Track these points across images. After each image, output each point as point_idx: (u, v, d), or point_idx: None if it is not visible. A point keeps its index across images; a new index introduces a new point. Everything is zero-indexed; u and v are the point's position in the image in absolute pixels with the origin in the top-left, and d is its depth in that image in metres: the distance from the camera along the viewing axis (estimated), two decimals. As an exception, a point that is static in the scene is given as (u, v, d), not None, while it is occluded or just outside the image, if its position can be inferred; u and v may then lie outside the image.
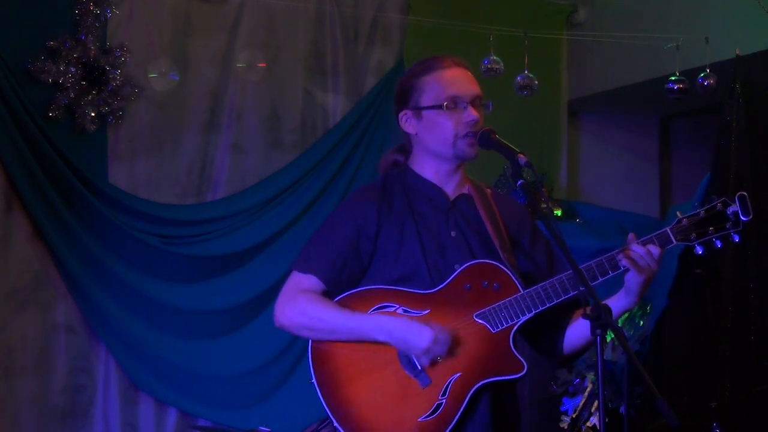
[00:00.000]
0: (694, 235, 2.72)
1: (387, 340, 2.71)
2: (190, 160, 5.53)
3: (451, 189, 2.88)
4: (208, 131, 5.57)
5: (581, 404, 5.00)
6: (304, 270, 2.83)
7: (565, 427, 5.00)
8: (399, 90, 2.90)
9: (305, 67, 5.79)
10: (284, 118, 5.75)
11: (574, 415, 5.00)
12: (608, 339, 4.70)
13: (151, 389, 5.35)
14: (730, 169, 5.18)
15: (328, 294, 2.80)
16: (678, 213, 2.74)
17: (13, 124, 4.94)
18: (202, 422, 5.43)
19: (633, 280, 2.71)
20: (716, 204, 2.73)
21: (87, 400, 5.26)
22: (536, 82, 5.52)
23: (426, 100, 2.82)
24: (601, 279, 2.71)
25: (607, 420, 3.28)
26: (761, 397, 4.79)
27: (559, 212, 6.07)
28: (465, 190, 2.90)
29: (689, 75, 5.33)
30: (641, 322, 5.36)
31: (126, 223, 5.23)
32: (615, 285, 2.80)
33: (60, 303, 5.18)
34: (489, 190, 2.94)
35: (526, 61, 5.54)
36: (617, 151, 7.00)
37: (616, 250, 2.71)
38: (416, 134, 2.86)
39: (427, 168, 2.88)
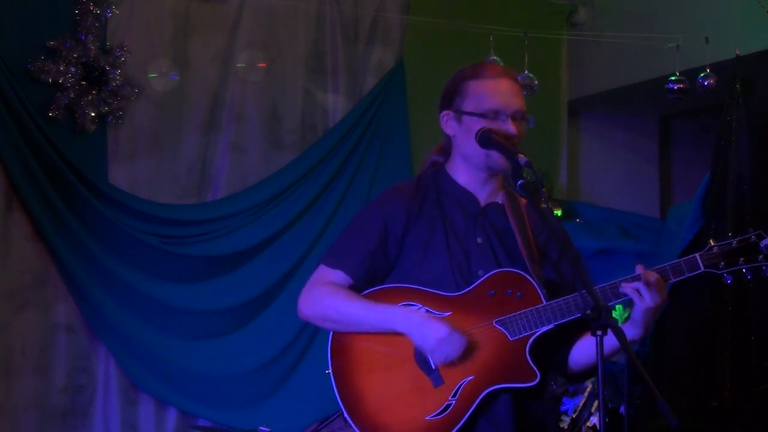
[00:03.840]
0: (722, 263, 2.71)
1: (405, 330, 2.72)
2: (190, 160, 5.53)
3: (483, 196, 2.89)
4: (208, 131, 5.57)
5: (581, 404, 4.99)
6: (332, 265, 2.85)
7: (565, 427, 5.00)
8: (445, 90, 2.92)
9: (305, 67, 5.79)
10: (284, 118, 5.74)
11: (574, 415, 5.00)
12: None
13: (151, 389, 5.35)
14: (730, 169, 5.18)
15: (354, 290, 2.82)
16: (710, 241, 2.73)
17: (13, 124, 4.94)
18: (202, 422, 5.43)
19: (637, 310, 2.70)
20: (750, 236, 2.72)
21: (87, 400, 5.25)
22: (536, 82, 5.52)
23: (468, 105, 2.83)
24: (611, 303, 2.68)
25: (607, 420, 3.28)
26: (761, 397, 4.79)
27: (559, 212, 6.07)
28: (498, 199, 2.90)
29: (689, 75, 5.33)
30: (641, 322, 5.35)
31: (126, 223, 5.23)
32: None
33: (60, 303, 5.18)
34: (524, 201, 2.93)
35: (526, 61, 5.55)
36: (617, 151, 6.99)
37: (625, 278, 2.69)
38: (454, 136, 2.88)
39: (462, 173, 2.89)
